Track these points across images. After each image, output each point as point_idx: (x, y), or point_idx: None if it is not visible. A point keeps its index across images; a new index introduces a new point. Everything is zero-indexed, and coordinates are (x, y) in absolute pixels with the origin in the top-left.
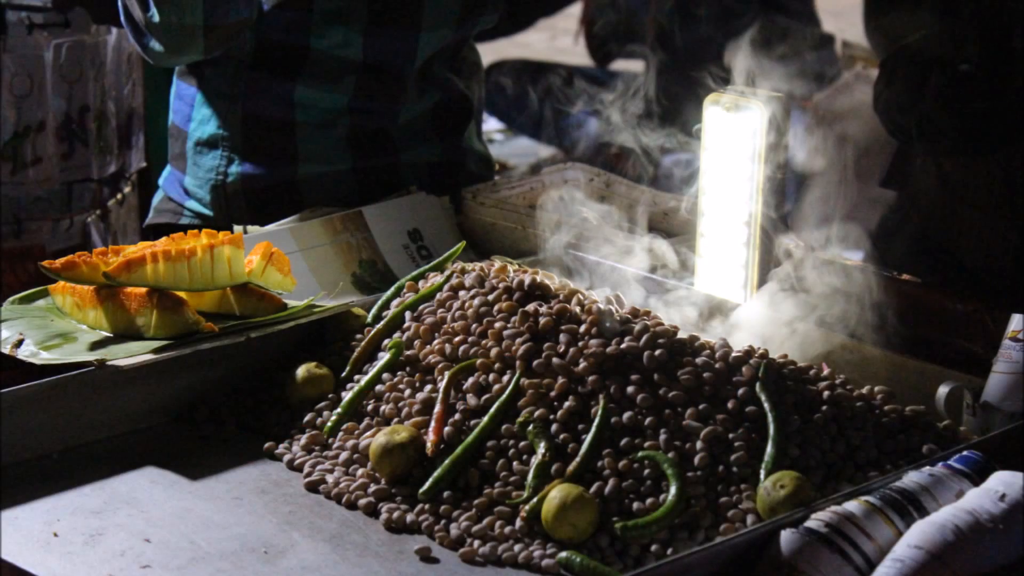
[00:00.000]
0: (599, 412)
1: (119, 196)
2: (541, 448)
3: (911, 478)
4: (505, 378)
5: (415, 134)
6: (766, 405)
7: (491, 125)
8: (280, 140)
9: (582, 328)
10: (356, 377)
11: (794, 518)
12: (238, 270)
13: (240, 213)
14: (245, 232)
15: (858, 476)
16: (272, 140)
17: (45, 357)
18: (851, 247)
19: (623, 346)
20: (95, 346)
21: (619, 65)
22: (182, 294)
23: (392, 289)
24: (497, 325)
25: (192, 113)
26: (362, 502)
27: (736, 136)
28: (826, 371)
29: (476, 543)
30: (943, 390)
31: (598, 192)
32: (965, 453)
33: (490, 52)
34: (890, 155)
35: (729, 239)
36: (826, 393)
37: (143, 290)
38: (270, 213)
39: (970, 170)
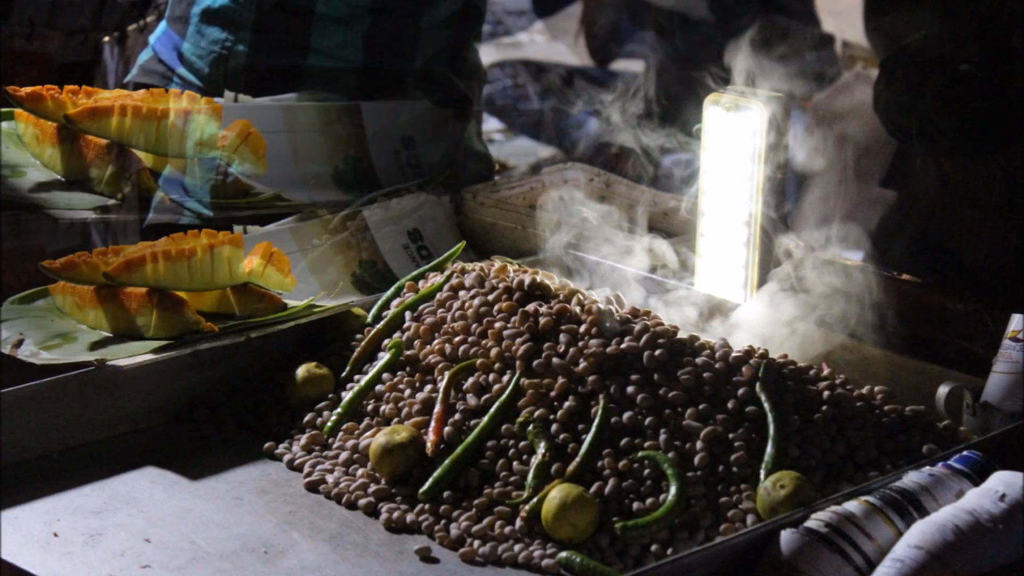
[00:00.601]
0: (599, 412)
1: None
2: (541, 448)
3: (911, 478)
4: (505, 378)
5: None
6: (766, 405)
7: (491, 125)
8: (296, 27)
9: (582, 328)
10: (356, 377)
11: (794, 518)
12: (238, 270)
13: (236, 88)
14: (245, 232)
15: (858, 476)
16: (288, 26)
17: (45, 357)
18: (851, 247)
19: (623, 346)
20: (95, 346)
21: (619, 65)
22: (182, 294)
23: (392, 289)
24: (497, 325)
25: None
26: (362, 502)
27: (736, 136)
28: (826, 371)
29: (476, 543)
30: (943, 390)
31: (598, 192)
32: (965, 453)
33: (490, 52)
34: (890, 155)
35: (729, 239)
36: (826, 393)
37: (143, 290)
38: (264, 92)
39: (970, 170)
